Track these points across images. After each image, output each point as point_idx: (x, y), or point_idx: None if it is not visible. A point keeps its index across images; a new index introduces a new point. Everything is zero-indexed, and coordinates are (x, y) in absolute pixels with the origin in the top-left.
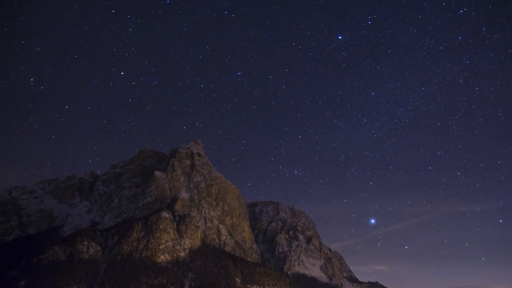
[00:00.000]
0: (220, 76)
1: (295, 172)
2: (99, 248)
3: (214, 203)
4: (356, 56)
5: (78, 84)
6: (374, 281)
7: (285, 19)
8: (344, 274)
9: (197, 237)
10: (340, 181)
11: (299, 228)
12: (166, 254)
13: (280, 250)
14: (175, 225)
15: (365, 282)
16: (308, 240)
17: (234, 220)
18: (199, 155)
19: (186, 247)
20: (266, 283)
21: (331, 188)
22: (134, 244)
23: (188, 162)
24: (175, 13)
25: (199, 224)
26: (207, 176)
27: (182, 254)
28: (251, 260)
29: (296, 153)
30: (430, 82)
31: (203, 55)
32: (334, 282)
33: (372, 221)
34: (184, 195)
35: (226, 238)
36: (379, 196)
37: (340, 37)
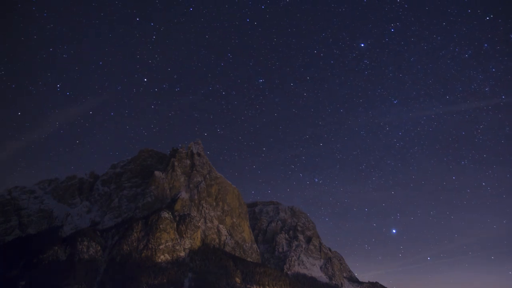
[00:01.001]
0: (241, 83)
1: (316, 180)
2: (99, 248)
3: (214, 203)
4: (378, 64)
5: (102, 90)
6: (374, 281)
7: (307, 27)
8: (344, 274)
9: (197, 237)
10: (361, 190)
11: (299, 228)
12: (166, 254)
13: (280, 250)
14: (175, 225)
15: (365, 282)
16: (308, 240)
17: (234, 220)
18: (199, 155)
19: (186, 247)
20: (266, 283)
21: (352, 197)
22: (134, 244)
23: (188, 162)
24: (197, 21)
25: (199, 224)
26: (207, 176)
27: (182, 254)
28: (251, 260)
29: (317, 161)
30: (454, 91)
31: (225, 63)
32: (334, 282)
33: (394, 231)
34: (184, 195)
35: (226, 238)
36: (401, 205)
37: (362, 45)
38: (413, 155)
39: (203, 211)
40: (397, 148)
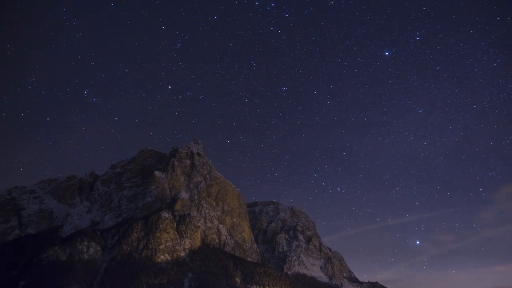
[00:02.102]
0: (265, 91)
1: (338, 189)
2: (99, 248)
3: (214, 203)
4: (403, 73)
5: (127, 97)
6: (374, 281)
7: (331, 35)
8: (344, 274)
9: (197, 237)
10: (385, 200)
11: (299, 228)
12: (166, 254)
13: (280, 250)
14: (175, 225)
15: (365, 282)
16: (308, 240)
17: (234, 220)
18: (199, 155)
19: (186, 247)
20: (266, 283)
21: (375, 207)
22: (134, 244)
23: (188, 162)
24: (222, 29)
25: (199, 224)
26: (207, 176)
27: (182, 254)
28: (251, 260)
29: (340, 170)
30: (482, 100)
31: (249, 70)
32: (334, 282)
33: (417, 242)
34: (184, 195)
35: (226, 238)
36: (425, 216)
37: (387, 53)
38: (438, 165)
39: (203, 211)
40: (421, 158)
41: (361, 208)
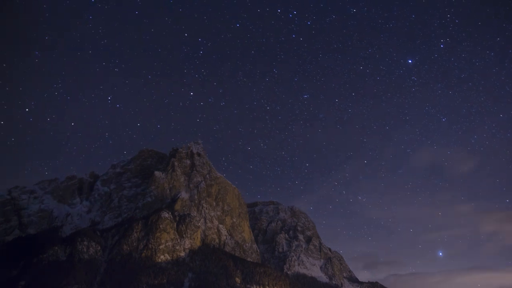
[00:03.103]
0: (286, 98)
1: (359, 197)
2: (99, 248)
3: (214, 203)
4: (426, 81)
5: (150, 103)
6: (374, 281)
7: (353, 42)
8: (344, 274)
9: (197, 237)
10: (407, 210)
11: (299, 228)
12: (166, 254)
13: (280, 250)
14: (175, 225)
15: (365, 282)
16: (308, 240)
17: (234, 220)
18: (199, 155)
19: (186, 247)
20: (266, 283)
21: (396, 217)
22: (134, 244)
23: (188, 162)
24: (244, 37)
25: (199, 224)
26: (207, 176)
27: (182, 254)
28: (251, 260)
29: (361, 178)
30: (509, 108)
31: (270, 78)
32: (334, 282)
33: (440, 253)
34: (184, 195)
35: (226, 238)
36: (448, 227)
37: (410, 61)
38: (463, 175)
39: (203, 211)
40: (445, 167)
41: (382, 218)
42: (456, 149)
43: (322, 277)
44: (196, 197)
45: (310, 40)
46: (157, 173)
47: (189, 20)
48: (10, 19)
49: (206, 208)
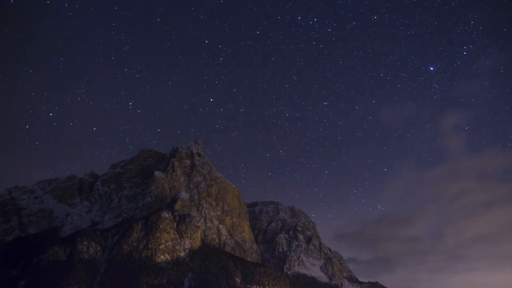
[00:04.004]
0: (305, 105)
1: (379, 206)
2: (99, 248)
3: (214, 203)
4: (449, 88)
5: (170, 109)
6: (374, 281)
7: (374, 49)
8: (344, 274)
9: (197, 237)
10: None
11: (299, 228)
12: (166, 254)
13: (280, 250)
14: (175, 225)
15: (365, 282)
16: (308, 240)
17: (234, 220)
18: (199, 155)
19: (186, 247)
20: (266, 283)
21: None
22: (134, 244)
23: (188, 162)
24: (264, 44)
25: (199, 224)
26: (207, 176)
27: (182, 254)
28: (251, 260)
29: (381, 187)
30: None
31: (290, 84)
32: (334, 282)
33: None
34: (184, 195)
35: (226, 238)
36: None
37: (431, 68)
38: (485, 184)
39: (203, 211)
40: (468, 177)
41: (403, 228)
42: (479, 158)
43: (322, 277)
44: (196, 197)
45: (330, 47)
46: (157, 173)
47: (210, 27)
48: (37, 26)
49: (206, 208)
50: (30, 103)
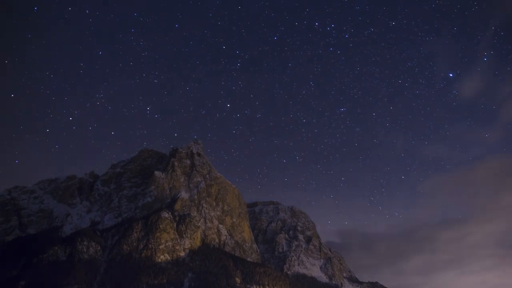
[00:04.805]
0: (322, 111)
1: (396, 214)
2: (99, 248)
3: (214, 203)
4: (468, 95)
5: (187, 114)
6: (374, 281)
7: (392, 55)
8: (344, 274)
9: (197, 237)
10: None
11: (299, 228)
12: (166, 254)
13: (280, 250)
14: (175, 225)
15: (365, 282)
16: (308, 240)
17: (234, 220)
18: (199, 155)
19: (186, 247)
20: (266, 283)
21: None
22: (134, 244)
23: (188, 162)
24: (281, 49)
25: (199, 224)
26: (207, 176)
27: (182, 254)
28: (251, 260)
29: (398, 194)
30: None
31: (307, 91)
32: (334, 282)
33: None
34: (184, 195)
35: (226, 238)
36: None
37: (451, 75)
38: (504, 194)
39: (203, 211)
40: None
41: (420, 235)
42: (501, 167)
43: (322, 277)
44: (196, 197)
45: (348, 53)
46: (157, 173)
47: (227, 33)
48: (59, 32)
49: (206, 208)
50: (51, 107)
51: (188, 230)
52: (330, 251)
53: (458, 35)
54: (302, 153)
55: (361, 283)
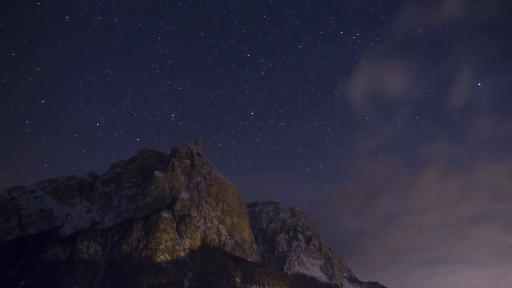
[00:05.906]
0: (346, 120)
1: None
2: (99, 248)
3: (214, 203)
4: (499, 105)
5: (211, 121)
6: (374, 281)
7: (419, 65)
8: (344, 274)
9: (197, 237)
10: None
11: (299, 228)
12: (166, 254)
13: (280, 250)
14: (175, 225)
15: (365, 282)
16: (308, 240)
17: (234, 220)
18: (199, 155)
19: (186, 247)
20: (266, 283)
21: None
22: (134, 244)
23: (188, 162)
24: (305, 58)
25: (199, 224)
26: (207, 176)
27: (182, 254)
28: (251, 260)
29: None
30: None
31: (331, 99)
32: (334, 282)
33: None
34: (184, 195)
35: (226, 238)
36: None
37: (479, 84)
38: None
39: (203, 211)
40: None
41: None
42: None
43: (322, 277)
44: (196, 197)
45: (373, 63)
46: (157, 173)
47: (252, 41)
48: (88, 40)
49: (206, 208)
50: (79, 113)
51: (188, 230)
52: (330, 251)
53: (487, 41)
54: (325, 162)
55: (361, 283)
